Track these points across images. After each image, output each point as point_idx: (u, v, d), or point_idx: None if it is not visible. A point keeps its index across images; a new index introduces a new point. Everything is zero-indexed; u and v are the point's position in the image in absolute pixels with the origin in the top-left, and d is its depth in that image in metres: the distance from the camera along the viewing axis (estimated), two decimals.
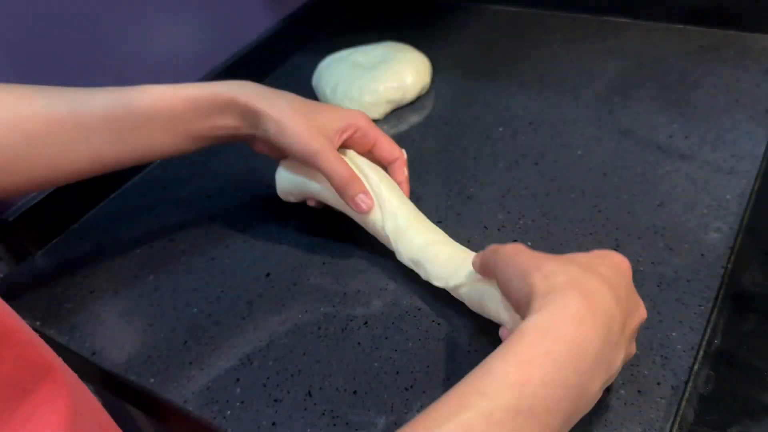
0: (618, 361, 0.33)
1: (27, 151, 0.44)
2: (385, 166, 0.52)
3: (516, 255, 0.37)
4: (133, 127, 0.46)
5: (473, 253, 0.45)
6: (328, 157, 0.47)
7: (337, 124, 0.48)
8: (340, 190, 0.47)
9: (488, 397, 0.29)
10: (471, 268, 0.43)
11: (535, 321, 0.31)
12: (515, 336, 0.31)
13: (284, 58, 0.80)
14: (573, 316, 0.31)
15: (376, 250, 0.51)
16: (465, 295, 0.44)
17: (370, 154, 0.51)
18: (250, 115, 0.48)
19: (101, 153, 0.46)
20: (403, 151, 0.52)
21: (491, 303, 0.41)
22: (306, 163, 0.48)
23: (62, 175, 0.46)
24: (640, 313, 0.35)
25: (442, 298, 0.47)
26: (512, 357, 0.30)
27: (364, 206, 0.47)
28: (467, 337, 0.44)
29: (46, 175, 0.46)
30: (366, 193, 0.48)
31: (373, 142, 0.50)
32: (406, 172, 0.51)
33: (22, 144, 0.43)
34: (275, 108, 0.47)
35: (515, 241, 0.51)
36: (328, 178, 0.47)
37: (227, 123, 0.48)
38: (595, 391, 0.31)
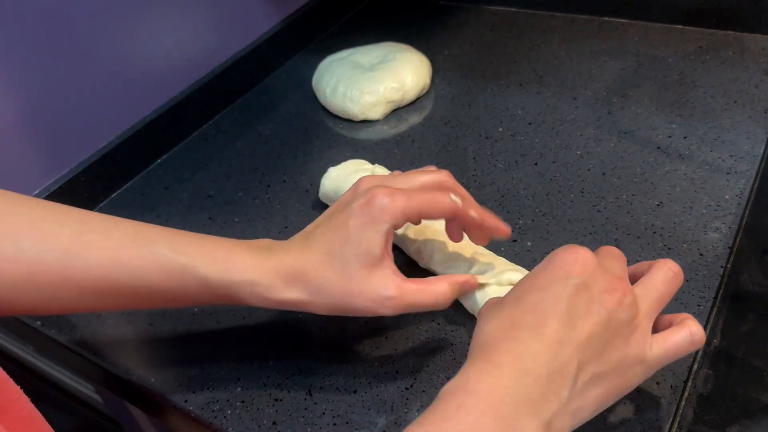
0: (594, 382, 0.32)
1: (4, 292, 0.37)
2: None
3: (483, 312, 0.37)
4: (130, 294, 0.39)
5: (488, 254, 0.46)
6: (403, 304, 0.39)
7: (375, 248, 0.38)
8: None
9: None
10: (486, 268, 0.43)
11: (450, 383, 0.32)
12: (434, 401, 0.32)
13: (284, 58, 0.81)
14: (480, 370, 0.32)
15: None
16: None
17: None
18: (283, 305, 0.40)
19: (88, 305, 0.40)
20: (447, 180, 0.42)
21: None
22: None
23: (43, 312, 0.42)
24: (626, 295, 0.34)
25: None
26: (426, 417, 0.31)
27: (474, 283, 0.42)
28: (467, 337, 0.45)
29: (22, 312, 0.41)
30: (467, 282, 0.41)
31: (417, 219, 0.40)
32: (473, 214, 0.40)
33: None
34: (310, 294, 0.39)
35: (515, 241, 0.51)
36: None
37: (251, 305, 0.40)
38: (532, 431, 0.30)
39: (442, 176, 0.42)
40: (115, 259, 0.38)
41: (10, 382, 0.31)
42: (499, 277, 0.43)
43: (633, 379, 0.34)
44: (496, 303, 0.36)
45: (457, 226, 0.43)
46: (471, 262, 0.45)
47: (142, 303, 0.41)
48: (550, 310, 0.33)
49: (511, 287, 0.41)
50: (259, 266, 0.39)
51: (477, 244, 0.43)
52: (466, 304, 0.45)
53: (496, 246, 0.50)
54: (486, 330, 0.34)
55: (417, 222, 0.41)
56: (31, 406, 0.32)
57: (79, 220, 0.39)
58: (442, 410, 0.30)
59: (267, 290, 0.39)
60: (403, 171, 0.59)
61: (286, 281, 0.39)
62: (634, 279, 0.37)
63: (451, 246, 0.46)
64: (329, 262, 0.38)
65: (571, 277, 0.34)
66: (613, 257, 0.37)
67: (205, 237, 0.41)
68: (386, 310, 0.39)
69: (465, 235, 0.44)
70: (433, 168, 0.44)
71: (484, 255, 0.46)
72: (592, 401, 0.33)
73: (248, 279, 0.38)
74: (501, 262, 0.45)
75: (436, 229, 0.48)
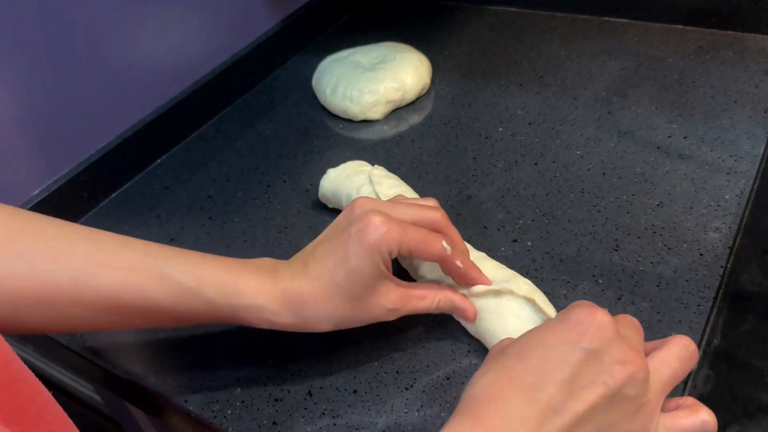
0: None
1: (12, 311, 0.38)
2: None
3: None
4: (141, 314, 0.40)
5: (498, 265, 0.45)
6: (404, 311, 0.41)
7: (377, 272, 0.39)
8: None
9: None
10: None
11: None
12: None
13: (284, 58, 0.81)
14: (465, 429, 0.31)
15: None
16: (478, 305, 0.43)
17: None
18: (289, 328, 0.41)
19: (98, 325, 0.41)
20: (437, 220, 0.42)
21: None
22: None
23: (53, 330, 0.42)
24: (632, 372, 0.31)
25: None
26: None
27: (470, 317, 0.43)
28: (467, 337, 0.45)
29: (34, 330, 0.41)
30: (464, 307, 0.42)
31: (408, 253, 0.41)
32: (459, 264, 0.42)
33: (10, 303, 0.38)
34: (320, 320, 0.40)
35: (515, 241, 0.51)
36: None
37: (261, 325, 0.41)
38: None
39: (437, 215, 0.42)
40: (126, 280, 0.39)
41: (45, 391, 0.31)
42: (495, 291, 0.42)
43: None
44: (499, 351, 0.35)
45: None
46: None
47: (150, 322, 0.41)
48: (551, 374, 0.31)
49: (506, 294, 0.41)
50: (266, 292, 0.40)
51: (457, 284, 0.43)
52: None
53: (496, 245, 0.50)
54: (481, 382, 0.33)
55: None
56: (63, 414, 0.31)
57: (90, 239, 0.40)
58: None
59: (274, 315, 0.40)
60: (403, 172, 0.59)
61: (292, 308, 0.40)
62: (646, 353, 0.35)
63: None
64: (334, 290, 0.39)
65: (584, 340, 0.32)
66: (632, 327, 0.35)
67: (215, 259, 0.41)
68: (390, 318, 0.41)
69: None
70: (431, 202, 0.44)
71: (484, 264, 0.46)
72: None
73: (256, 304, 0.39)
74: (497, 271, 0.45)
75: None
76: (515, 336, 0.36)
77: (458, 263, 0.41)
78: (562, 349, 0.32)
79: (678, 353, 0.34)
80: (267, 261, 0.42)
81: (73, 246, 0.39)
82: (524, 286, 0.42)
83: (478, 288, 0.42)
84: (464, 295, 0.43)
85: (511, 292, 0.42)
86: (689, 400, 0.34)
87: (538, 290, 0.43)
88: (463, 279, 0.42)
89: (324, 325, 0.40)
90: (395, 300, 0.40)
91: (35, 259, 0.38)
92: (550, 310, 0.41)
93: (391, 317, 0.41)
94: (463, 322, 0.44)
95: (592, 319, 0.32)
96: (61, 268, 0.38)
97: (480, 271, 0.43)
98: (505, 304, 0.42)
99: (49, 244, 0.39)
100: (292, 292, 0.40)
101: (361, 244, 0.38)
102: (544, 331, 0.34)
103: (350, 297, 0.39)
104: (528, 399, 0.31)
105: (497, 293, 0.42)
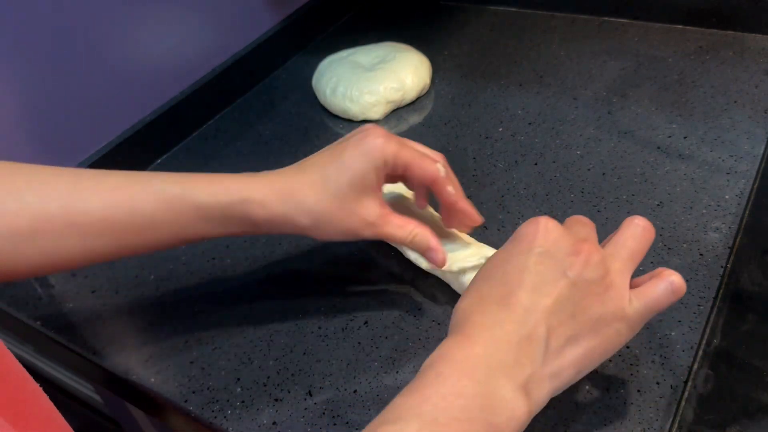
0: (567, 346, 0.33)
1: (10, 248, 0.39)
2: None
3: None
4: (133, 231, 0.41)
5: (481, 245, 0.47)
6: (384, 235, 0.43)
7: (368, 177, 0.41)
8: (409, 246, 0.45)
9: (393, 422, 0.30)
10: (477, 256, 0.44)
11: (428, 359, 0.33)
12: (416, 375, 0.33)
13: (284, 58, 0.81)
14: (454, 343, 0.33)
15: (378, 251, 0.51)
16: (466, 282, 0.44)
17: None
18: (276, 225, 0.42)
19: (95, 251, 0.41)
20: (439, 160, 0.44)
21: None
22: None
23: (48, 269, 0.43)
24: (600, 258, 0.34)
25: (443, 299, 0.47)
26: (408, 388, 0.32)
27: (439, 261, 0.44)
28: None
29: (30, 271, 0.42)
30: (436, 249, 0.44)
31: (403, 170, 0.43)
32: (451, 189, 0.43)
33: (5, 240, 0.39)
34: (305, 215, 0.41)
35: None
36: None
37: (246, 231, 0.43)
38: (509, 393, 0.31)
39: (438, 155, 0.44)
40: (113, 198, 0.40)
41: (30, 381, 0.31)
42: (480, 259, 0.44)
43: (615, 337, 0.34)
44: (468, 285, 0.38)
45: (425, 193, 0.46)
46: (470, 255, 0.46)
47: (146, 242, 0.42)
48: (515, 281, 0.34)
49: None
50: (251, 183, 0.41)
51: (448, 227, 0.45)
52: (456, 287, 0.46)
53: (496, 245, 0.50)
54: (459, 308, 0.35)
55: (399, 177, 0.44)
56: (51, 405, 0.32)
57: (72, 172, 0.42)
58: (423, 380, 0.32)
59: (260, 206, 0.41)
60: None
61: (278, 197, 0.41)
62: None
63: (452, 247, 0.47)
64: (323, 184, 0.41)
65: (534, 247, 0.35)
66: (579, 223, 0.38)
67: (198, 173, 0.43)
68: (367, 233, 0.42)
69: (470, 242, 0.47)
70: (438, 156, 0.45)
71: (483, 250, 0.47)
72: (569, 363, 0.33)
73: (241, 198, 0.41)
74: None
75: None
76: None
77: (450, 188, 0.43)
78: (518, 260, 0.35)
79: (631, 232, 0.36)
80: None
81: (57, 177, 0.41)
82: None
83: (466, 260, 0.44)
84: (462, 270, 0.44)
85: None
86: (656, 271, 0.36)
87: None
88: (453, 208, 0.43)
89: (304, 219, 0.41)
90: (376, 215, 0.42)
91: (24, 193, 0.39)
92: None
93: (367, 233, 0.42)
94: (458, 287, 0.45)
95: (537, 227, 0.35)
96: (49, 198, 0.40)
97: (471, 204, 0.44)
98: None
99: (36, 179, 0.40)
100: (279, 182, 0.42)
101: (358, 147, 0.41)
102: (501, 252, 0.37)
103: (335, 191, 0.41)
104: (502, 307, 0.33)
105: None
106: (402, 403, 0.31)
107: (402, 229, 0.43)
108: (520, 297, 0.33)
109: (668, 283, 0.35)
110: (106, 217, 0.40)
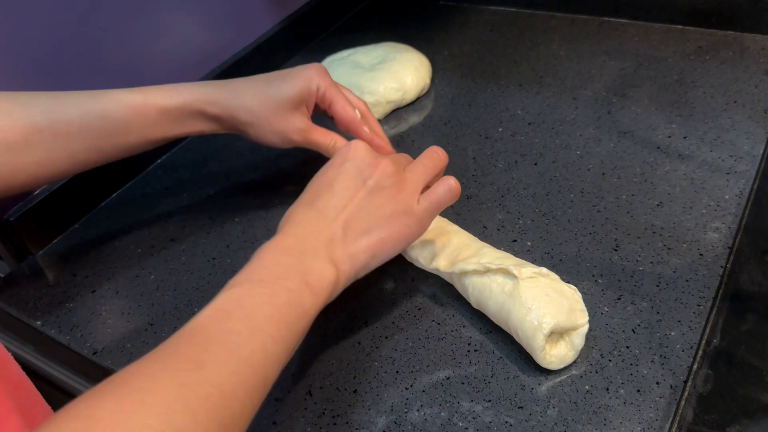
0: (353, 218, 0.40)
1: (8, 159, 0.46)
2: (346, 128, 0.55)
3: None
4: (108, 135, 0.49)
5: (481, 242, 0.48)
6: (311, 141, 0.53)
7: (301, 94, 0.52)
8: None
9: (230, 285, 0.36)
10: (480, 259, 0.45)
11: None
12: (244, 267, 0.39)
13: (285, 58, 0.81)
14: (272, 239, 0.39)
15: None
16: (468, 284, 0.44)
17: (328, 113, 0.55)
18: (224, 121, 0.52)
19: (78, 157, 0.49)
20: (359, 106, 0.54)
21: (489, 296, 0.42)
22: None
23: (41, 179, 0.49)
24: (382, 167, 0.42)
25: (443, 299, 0.47)
26: (238, 275, 0.37)
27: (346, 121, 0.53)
28: (467, 337, 0.45)
29: (26, 180, 0.47)
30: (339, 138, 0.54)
31: (329, 104, 0.53)
32: (367, 130, 0.53)
33: (2, 151, 0.45)
34: (246, 112, 0.51)
35: (515, 241, 0.51)
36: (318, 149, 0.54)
37: (201, 128, 0.52)
38: (318, 262, 0.38)
39: (361, 102, 0.55)
40: (88, 108, 0.48)
41: (28, 381, 0.33)
42: (482, 263, 0.44)
43: (405, 229, 0.42)
44: None
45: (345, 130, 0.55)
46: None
47: (117, 145, 0.49)
48: (323, 188, 0.42)
49: (491, 271, 0.43)
50: (204, 87, 0.51)
51: None
52: (458, 288, 0.46)
53: (496, 245, 0.50)
54: (285, 214, 0.42)
55: (325, 111, 0.54)
56: (47, 407, 0.34)
57: (47, 94, 0.48)
58: (249, 265, 0.38)
59: (211, 104, 0.50)
60: None
61: (226, 96, 0.51)
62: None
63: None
64: (264, 92, 0.51)
65: (345, 161, 0.42)
66: (400, 155, 0.46)
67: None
68: (297, 138, 0.52)
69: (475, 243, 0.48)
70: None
71: (494, 254, 0.46)
72: (364, 248, 0.40)
73: (194, 98, 0.50)
74: (507, 258, 0.45)
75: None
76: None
77: (365, 129, 0.53)
78: (330, 172, 0.43)
79: (428, 155, 0.45)
80: None
81: (37, 98, 0.48)
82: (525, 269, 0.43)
83: (467, 264, 0.45)
84: (462, 271, 0.44)
85: (488, 268, 0.43)
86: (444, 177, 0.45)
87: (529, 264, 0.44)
88: (370, 144, 0.50)
89: (244, 115, 0.51)
90: (305, 124, 0.52)
91: (12, 111, 0.46)
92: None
93: (297, 137, 0.52)
94: (461, 287, 0.46)
95: (348, 147, 0.43)
96: (35, 112, 0.46)
97: (383, 141, 0.53)
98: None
99: (18, 100, 0.47)
100: (229, 85, 0.52)
101: (299, 72, 0.52)
102: (323, 167, 0.44)
103: (274, 99, 0.51)
104: (308, 208, 0.41)
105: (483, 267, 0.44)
106: (234, 278, 0.37)
107: (326, 137, 0.53)
108: (323, 200, 0.41)
109: (446, 184, 0.43)
110: (84, 124, 0.47)
